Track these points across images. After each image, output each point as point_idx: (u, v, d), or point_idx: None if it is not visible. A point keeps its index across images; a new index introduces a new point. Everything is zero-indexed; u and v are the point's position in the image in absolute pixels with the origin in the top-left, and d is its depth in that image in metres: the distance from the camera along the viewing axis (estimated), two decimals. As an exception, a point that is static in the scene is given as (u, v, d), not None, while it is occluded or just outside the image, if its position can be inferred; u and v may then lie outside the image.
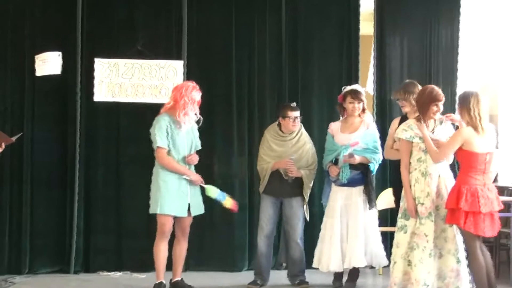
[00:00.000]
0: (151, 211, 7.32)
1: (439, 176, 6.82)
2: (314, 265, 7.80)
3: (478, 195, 6.50)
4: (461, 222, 6.47)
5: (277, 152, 7.81)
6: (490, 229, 6.60)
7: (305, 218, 7.92)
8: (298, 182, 7.80)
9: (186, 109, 7.26)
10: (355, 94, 7.76)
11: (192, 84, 7.46)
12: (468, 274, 6.77)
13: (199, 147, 7.56)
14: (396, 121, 7.57)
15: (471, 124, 6.55)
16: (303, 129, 7.94)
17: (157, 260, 7.33)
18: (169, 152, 7.28)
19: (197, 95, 7.36)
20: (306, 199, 7.86)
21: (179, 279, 7.50)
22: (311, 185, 7.89)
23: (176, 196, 7.26)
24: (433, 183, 6.79)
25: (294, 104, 7.92)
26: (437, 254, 6.81)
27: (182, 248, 7.49)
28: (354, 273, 7.79)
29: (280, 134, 7.88)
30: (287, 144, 7.82)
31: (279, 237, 8.36)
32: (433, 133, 6.83)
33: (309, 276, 7.95)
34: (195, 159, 7.39)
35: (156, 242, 7.33)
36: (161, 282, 7.35)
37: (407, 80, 7.83)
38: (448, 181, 6.82)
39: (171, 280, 7.50)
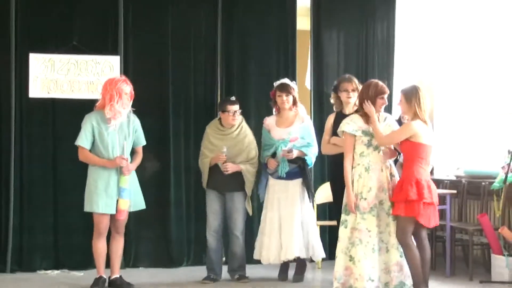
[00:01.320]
0: (84, 209, 7.35)
1: (381, 169, 6.90)
2: (255, 257, 7.86)
3: (430, 186, 6.68)
4: (420, 214, 6.57)
5: (217, 147, 7.81)
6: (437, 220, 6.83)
7: (247, 213, 7.93)
8: (240, 177, 7.80)
9: (113, 103, 7.20)
10: (282, 87, 7.85)
11: (119, 77, 7.43)
12: None
13: (142, 143, 7.54)
14: (331, 116, 7.63)
15: (419, 117, 6.67)
16: (244, 123, 7.96)
17: (96, 256, 7.37)
18: (97, 149, 7.26)
19: (125, 88, 7.29)
20: (249, 193, 7.87)
21: (117, 276, 7.46)
22: (253, 179, 7.88)
23: (105, 194, 7.23)
24: (376, 177, 6.87)
25: (233, 98, 7.93)
26: (384, 248, 6.88)
27: (118, 245, 7.47)
28: (302, 265, 7.85)
29: (221, 129, 7.88)
30: (227, 138, 7.83)
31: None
32: None
33: (251, 270, 7.98)
34: (126, 171, 7.27)
35: (93, 239, 7.37)
36: (101, 277, 7.37)
37: (346, 75, 7.86)
38: (392, 175, 6.93)
39: (109, 277, 7.46)
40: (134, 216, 8.53)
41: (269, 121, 7.98)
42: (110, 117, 7.22)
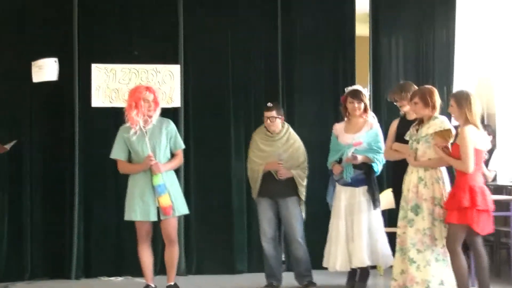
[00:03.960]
0: (124, 218, 7.35)
1: (412, 171, 6.96)
2: (324, 264, 7.82)
3: (484, 192, 6.58)
4: (474, 221, 6.48)
5: (266, 153, 7.83)
6: (492, 227, 6.72)
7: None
8: (291, 182, 7.80)
9: (131, 112, 7.20)
10: (355, 94, 7.80)
11: (139, 86, 7.41)
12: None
13: (180, 147, 7.42)
14: (395, 122, 7.61)
15: (471, 122, 6.59)
16: (290, 129, 7.96)
17: (141, 264, 7.36)
18: (133, 158, 7.30)
19: (144, 95, 7.19)
20: (302, 198, 7.85)
21: (171, 284, 7.40)
22: (305, 183, 7.88)
23: (141, 201, 7.19)
24: (406, 179, 6.99)
25: (269, 104, 7.91)
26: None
27: (170, 253, 7.38)
28: (365, 273, 7.81)
29: (268, 135, 7.90)
30: (276, 144, 7.85)
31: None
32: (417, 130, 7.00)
33: (317, 277, 7.96)
34: (156, 168, 7.17)
35: (138, 247, 7.36)
36: (148, 285, 7.35)
37: (402, 81, 7.87)
38: (421, 179, 6.89)
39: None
40: (196, 223, 8.63)
41: (338, 127, 7.95)
42: (131, 126, 7.23)
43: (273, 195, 7.83)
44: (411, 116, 7.40)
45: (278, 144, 7.86)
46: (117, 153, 7.35)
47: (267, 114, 7.83)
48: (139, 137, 7.23)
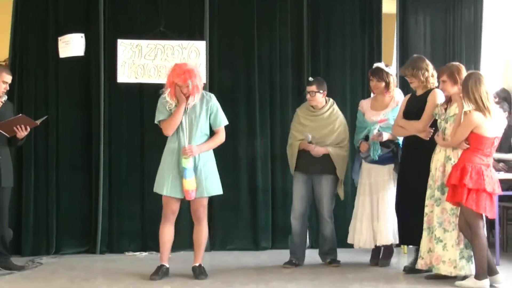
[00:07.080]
0: (154, 190, 7.24)
1: (440, 150, 6.91)
2: (349, 241, 7.84)
3: (482, 173, 6.50)
4: (463, 198, 6.46)
5: (308, 127, 7.77)
6: (490, 210, 6.59)
7: (337, 197, 7.85)
8: (329, 159, 7.72)
9: (166, 91, 7.07)
10: (374, 72, 7.81)
11: (179, 67, 7.11)
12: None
13: (220, 124, 7.22)
14: (405, 98, 7.53)
15: (477, 108, 6.50)
16: (335, 106, 7.89)
17: (160, 242, 7.20)
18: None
19: (179, 79, 6.97)
20: (341, 177, 7.78)
21: (196, 264, 7.21)
22: (344, 163, 7.78)
23: (172, 177, 7.07)
24: (434, 158, 6.94)
25: (310, 78, 7.89)
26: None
27: (198, 234, 7.22)
28: (388, 251, 7.81)
29: (311, 110, 7.85)
30: (317, 119, 7.80)
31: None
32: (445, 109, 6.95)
33: (342, 255, 7.96)
34: (189, 151, 7.00)
35: (161, 224, 7.23)
36: (162, 265, 7.16)
37: (415, 55, 7.73)
38: (449, 158, 6.86)
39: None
40: (221, 201, 8.62)
41: (364, 104, 7.94)
42: (175, 101, 7.06)
43: (309, 171, 7.78)
44: (419, 92, 7.35)
45: (319, 119, 7.80)
46: (161, 116, 7.10)
47: (308, 88, 7.80)
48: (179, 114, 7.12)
